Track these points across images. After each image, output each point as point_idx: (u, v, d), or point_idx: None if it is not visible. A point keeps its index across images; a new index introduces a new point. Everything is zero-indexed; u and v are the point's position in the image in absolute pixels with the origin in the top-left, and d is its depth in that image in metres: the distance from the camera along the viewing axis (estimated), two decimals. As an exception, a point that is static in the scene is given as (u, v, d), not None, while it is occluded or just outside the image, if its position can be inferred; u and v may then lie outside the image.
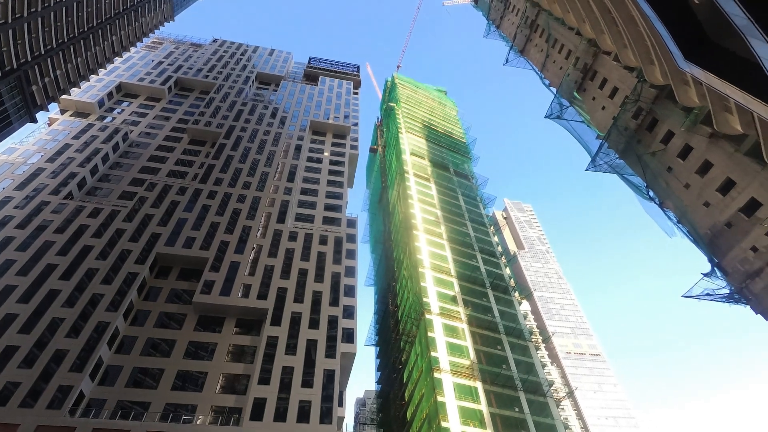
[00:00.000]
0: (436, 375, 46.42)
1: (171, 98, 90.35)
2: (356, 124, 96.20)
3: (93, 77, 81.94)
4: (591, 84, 44.86)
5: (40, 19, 49.67)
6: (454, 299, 57.84)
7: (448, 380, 46.81)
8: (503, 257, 72.47)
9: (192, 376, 45.05)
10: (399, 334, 59.76)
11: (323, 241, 62.46)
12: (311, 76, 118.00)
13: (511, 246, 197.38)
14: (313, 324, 51.38)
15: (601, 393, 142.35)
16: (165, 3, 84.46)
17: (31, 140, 68.17)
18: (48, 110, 55.18)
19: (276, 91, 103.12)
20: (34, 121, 53.40)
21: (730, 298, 29.20)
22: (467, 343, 52.73)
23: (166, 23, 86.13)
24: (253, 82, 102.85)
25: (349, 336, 53.68)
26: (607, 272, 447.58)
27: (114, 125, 74.70)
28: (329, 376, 47.04)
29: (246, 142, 78.30)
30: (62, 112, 77.50)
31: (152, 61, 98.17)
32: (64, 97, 70.32)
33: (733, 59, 21.91)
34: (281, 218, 64.37)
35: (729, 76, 21.20)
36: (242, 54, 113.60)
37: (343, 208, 71.64)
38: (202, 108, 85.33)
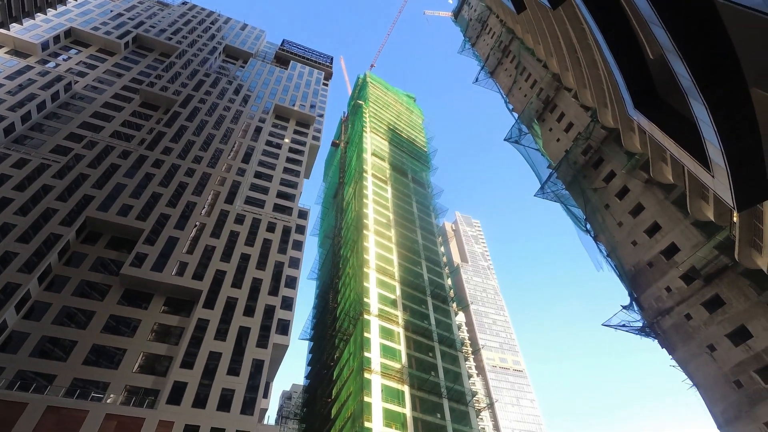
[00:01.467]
0: (366, 375, 46.74)
1: (126, 54, 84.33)
2: (321, 116, 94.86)
3: (39, 16, 74.83)
4: (550, 116, 47.34)
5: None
6: (394, 303, 58.57)
7: (377, 381, 47.27)
8: (447, 268, 74.45)
9: (108, 351, 42.15)
10: (335, 332, 59.56)
11: (271, 228, 60.89)
12: (282, 59, 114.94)
13: (456, 258, 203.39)
14: (248, 311, 49.91)
15: (519, 407, 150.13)
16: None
17: (-46, 72, 60.85)
18: (-20, 42, 49.58)
19: (243, 68, 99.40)
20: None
21: (642, 331, 31.91)
22: (401, 347, 53.57)
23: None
24: (220, 54, 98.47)
25: (284, 327, 52.69)
26: (540, 291, 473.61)
27: (57, 72, 68.43)
28: (258, 365, 45.87)
29: (203, 114, 74.71)
30: (12, 54, 69.90)
31: (111, 11, 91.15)
32: (1, 31, 63.58)
33: (675, 115, 24.05)
34: (230, 199, 62.01)
35: (669, 130, 23.26)
36: (212, 23, 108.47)
37: (297, 198, 70.30)
38: (160, 71, 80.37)
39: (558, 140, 44.73)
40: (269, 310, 51.18)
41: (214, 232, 56.18)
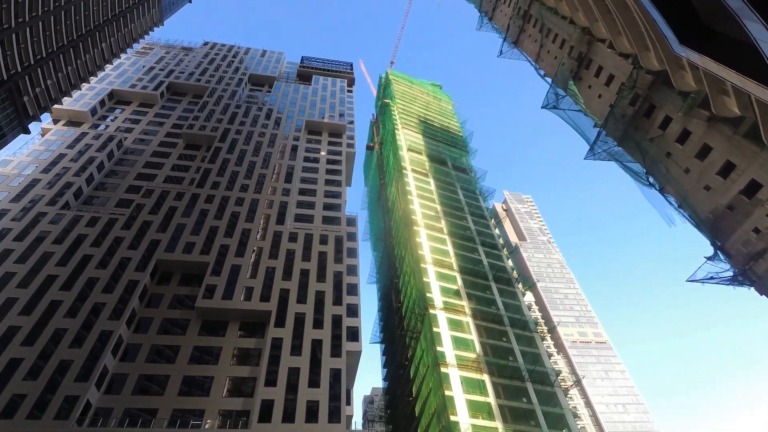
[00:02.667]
0: (443, 370, 46.41)
1: (164, 103, 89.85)
2: (352, 122, 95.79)
3: (84, 86, 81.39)
4: (586, 72, 44.61)
5: (28, 29, 49.21)
6: (457, 293, 57.79)
7: (454, 374, 46.81)
8: (505, 249, 72.40)
9: (198, 381, 44.97)
10: (403, 331, 59.75)
11: (323, 240, 62.27)
12: (304, 75, 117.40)
13: (513, 238, 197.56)
14: (317, 324, 51.29)
15: (609, 380, 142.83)
16: (154, 8, 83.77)
17: (25, 151, 67.79)
18: (41, 120, 54.79)
19: (269, 92, 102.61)
20: (27, 132, 52.98)
21: (734, 281, 29.12)
22: (472, 336, 52.71)
23: (155, 28, 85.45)
24: (246, 84, 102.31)
25: (354, 334, 53.60)
26: (609, 260, 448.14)
27: (108, 133, 74.29)
28: (336, 375, 46.99)
29: (241, 144, 77.95)
30: (55, 121, 77.04)
31: (143, 66, 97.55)
32: (56, 106, 69.82)
33: (727, 42, 21.73)
34: (280, 219, 64.14)
35: (725, 60, 21.04)
36: (234, 56, 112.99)
37: (342, 207, 71.41)
38: (196, 112, 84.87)
39: (600, 96, 42.04)
40: (336, 320, 52.29)
41: (271, 254, 58.31)
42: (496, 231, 75.75)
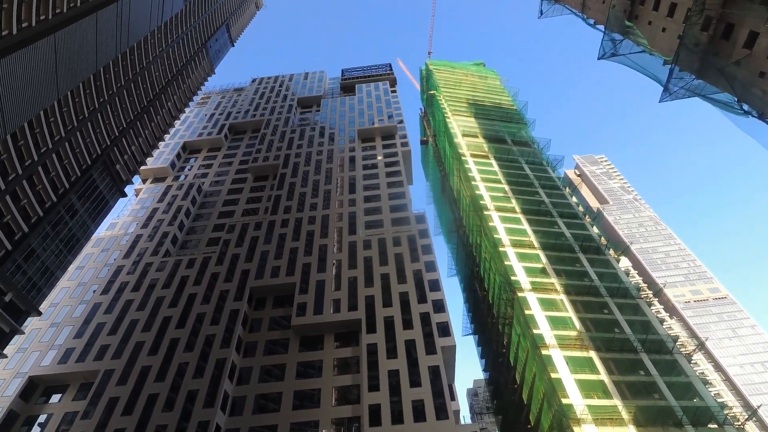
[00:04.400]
0: (544, 352, 44.46)
1: (229, 144, 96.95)
2: (401, 122, 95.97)
3: (161, 144, 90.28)
4: (642, 8, 40.45)
5: (108, 106, 55.87)
6: (543, 271, 55.16)
7: (557, 355, 44.63)
8: (587, 216, 67.78)
9: (307, 394, 47.57)
10: (494, 319, 58.28)
11: (397, 242, 62.91)
12: (347, 87, 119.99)
13: (593, 203, 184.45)
14: (407, 324, 51.84)
15: (738, 339, 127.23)
16: (204, 60, 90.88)
17: (125, 213, 76.89)
18: (132, 183, 61.83)
19: (318, 110, 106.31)
20: (124, 195, 60.07)
21: None
22: (569, 313, 49.92)
23: (208, 78, 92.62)
24: (296, 108, 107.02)
25: (445, 329, 53.39)
26: (708, 206, 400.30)
27: (188, 182, 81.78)
28: (434, 372, 47.09)
29: (303, 166, 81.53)
30: (143, 181, 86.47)
31: (205, 115, 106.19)
32: (142, 168, 78.37)
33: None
34: (352, 230, 65.96)
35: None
36: (280, 85, 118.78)
37: (408, 206, 71.65)
38: (258, 145, 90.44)
39: (664, 30, 37.86)
40: (425, 318, 52.45)
41: (350, 264, 60.13)
42: (573, 199, 71.17)
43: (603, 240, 62.65)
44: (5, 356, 44.58)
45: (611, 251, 61.11)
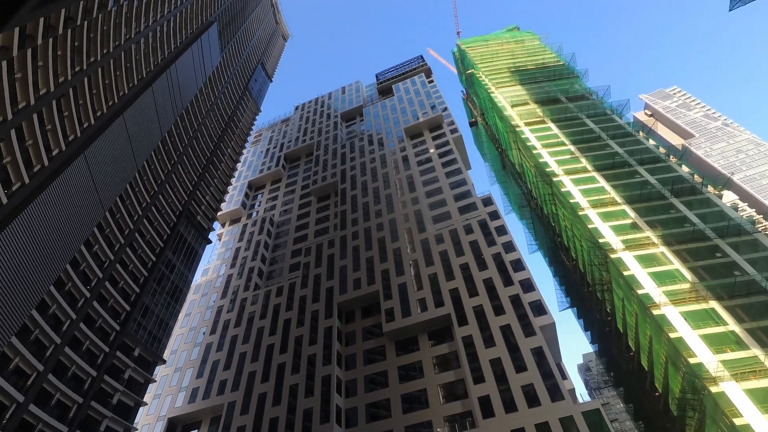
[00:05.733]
0: (656, 312, 40.70)
1: (288, 173, 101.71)
2: (445, 109, 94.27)
3: (229, 188, 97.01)
4: None
5: (179, 166, 61.21)
6: (634, 226, 50.72)
7: (672, 313, 40.63)
8: (671, 157, 61.34)
9: (414, 396, 47.90)
10: (590, 287, 54.59)
11: (468, 230, 61.54)
12: (384, 90, 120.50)
13: (676, 140, 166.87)
14: (498, 310, 50.31)
15: None
16: (249, 102, 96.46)
17: (214, 257, 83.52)
18: (214, 229, 67.03)
19: (362, 120, 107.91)
20: (209, 241, 65.25)
21: None
22: (675, 265, 45.31)
23: (257, 116, 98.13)
24: (340, 123, 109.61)
25: (539, 308, 51.04)
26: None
27: (260, 217, 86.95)
28: (538, 353, 45.10)
29: (360, 177, 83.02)
30: (223, 225, 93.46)
31: (261, 152, 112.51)
32: (219, 214, 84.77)
33: None
34: (421, 228, 65.70)
35: None
36: (321, 106, 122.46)
37: (472, 192, 69.87)
38: (314, 168, 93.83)
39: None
40: (515, 300, 50.57)
41: (427, 262, 59.86)
42: (651, 142, 64.81)
43: (697, 177, 56.27)
44: (146, 403, 50.21)
45: (710, 187, 54.67)
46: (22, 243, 32.61)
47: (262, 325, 62.90)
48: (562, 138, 67.59)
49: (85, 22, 38.01)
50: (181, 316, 70.77)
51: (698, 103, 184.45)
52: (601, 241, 48.96)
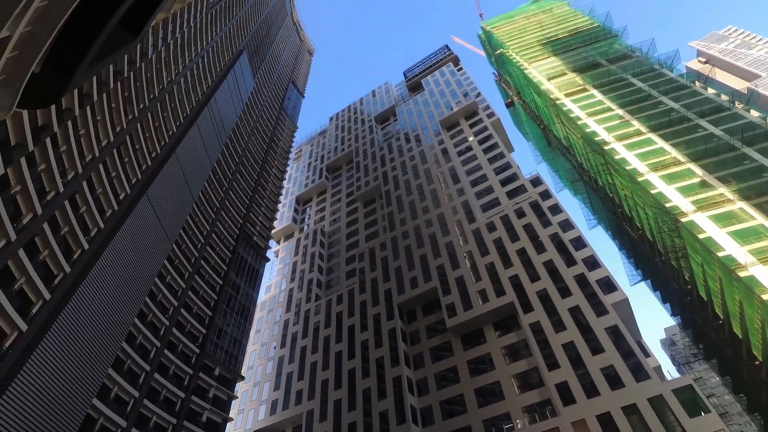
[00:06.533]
0: (742, 274, 37.14)
1: (332, 183, 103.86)
2: (479, 95, 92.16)
3: (279, 206, 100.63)
4: None
5: (230, 193, 64.39)
6: (704, 184, 46.68)
7: (762, 272, 36.88)
8: (736, 102, 55.89)
9: (488, 389, 47.01)
10: (663, 256, 50.87)
11: (520, 214, 59.63)
12: (414, 86, 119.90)
13: (739, 84, 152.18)
14: (564, 292, 48.25)
15: None
16: (286, 120, 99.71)
17: (274, 274, 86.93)
18: (270, 247, 69.80)
19: (396, 120, 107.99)
20: (267, 259, 68.01)
21: None
22: (758, 220, 41.14)
23: (295, 133, 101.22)
24: (375, 127, 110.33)
25: (608, 285, 48.42)
26: None
27: (311, 229, 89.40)
28: (614, 332, 42.77)
29: (402, 177, 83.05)
30: (278, 242, 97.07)
31: (303, 167, 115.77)
32: (273, 232, 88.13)
33: None
34: (471, 218, 64.53)
35: None
36: (354, 112, 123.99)
37: (519, 174, 67.70)
38: (356, 174, 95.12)
39: None
40: (581, 280, 48.32)
41: (481, 252, 58.66)
42: (710, 91, 59.42)
43: (770, 121, 50.83)
44: (231, 419, 53.16)
45: (788, 129, 49.21)
46: (107, 282, 35.70)
47: (328, 334, 64.51)
48: (608, 103, 63.71)
49: (131, 73, 41.09)
50: (252, 333, 74.25)
51: (760, 40, 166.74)
52: (668, 205, 45.51)
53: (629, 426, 36.58)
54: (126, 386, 38.41)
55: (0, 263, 26.87)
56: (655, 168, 50.44)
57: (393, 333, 57.15)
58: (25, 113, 27.38)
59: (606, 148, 55.32)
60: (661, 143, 53.65)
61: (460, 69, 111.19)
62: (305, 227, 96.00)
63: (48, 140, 30.44)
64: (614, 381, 39.42)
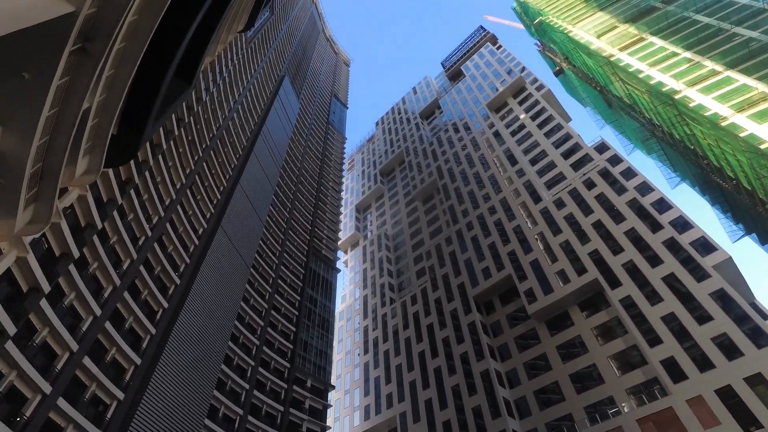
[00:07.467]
0: None
1: (388, 187, 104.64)
2: (523, 70, 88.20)
3: (341, 217, 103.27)
4: None
5: (294, 212, 67.17)
6: (806, 116, 40.66)
7: None
8: (832, 16, 48.19)
9: (584, 373, 44.42)
10: (765, 204, 44.99)
11: (590, 185, 55.95)
12: (454, 75, 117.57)
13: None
14: (654, 261, 44.40)
15: None
16: (334, 134, 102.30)
17: (346, 283, 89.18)
18: (339, 258, 71.68)
19: (441, 112, 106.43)
20: (338, 270, 69.93)
21: None
22: None
23: (344, 145, 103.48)
24: (421, 123, 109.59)
25: (706, 246, 43.83)
26: None
27: (375, 235, 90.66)
28: (721, 297, 38.57)
29: (456, 168, 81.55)
30: (345, 252, 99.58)
31: (358, 175, 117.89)
32: (339, 243, 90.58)
33: None
34: (536, 198, 61.68)
35: None
36: (398, 113, 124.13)
37: (581, 144, 63.64)
38: (410, 174, 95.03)
39: None
40: (672, 245, 44.24)
41: (553, 231, 55.83)
42: (796, 8, 51.73)
43: None
44: (329, 427, 55.20)
45: None
46: (199, 311, 38.76)
47: (408, 335, 64.81)
48: (672, 48, 57.87)
49: (191, 118, 44.45)
50: (335, 343, 76.68)
51: None
52: (763, 147, 40.25)
53: (757, 398, 32.67)
54: (231, 405, 41.33)
55: (110, 306, 30.19)
56: (740, 108, 44.96)
57: (473, 327, 56.07)
58: (110, 172, 30.62)
59: (677, 97, 50.29)
60: (743, 79, 47.73)
61: (500, 47, 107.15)
62: (369, 234, 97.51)
63: (132, 192, 33.77)
64: (730, 350, 35.47)
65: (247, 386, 44.53)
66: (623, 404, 39.76)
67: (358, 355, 72.40)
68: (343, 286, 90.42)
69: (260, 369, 48.05)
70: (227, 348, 43.32)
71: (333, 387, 61.10)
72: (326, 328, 63.93)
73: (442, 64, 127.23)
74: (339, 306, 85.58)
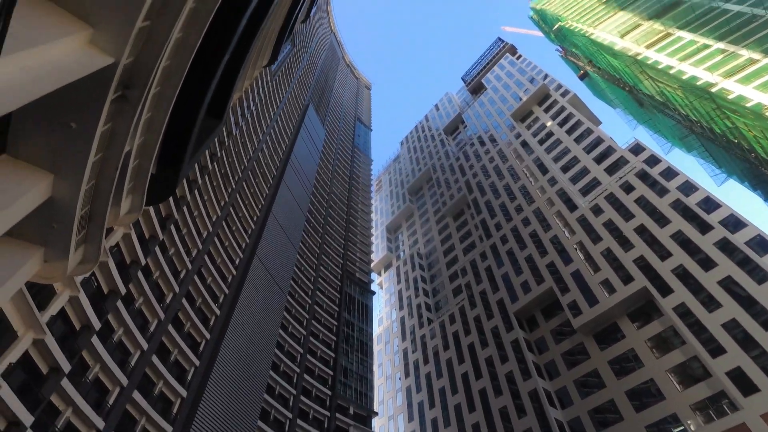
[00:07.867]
0: None
1: (417, 205, 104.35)
2: (546, 77, 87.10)
3: (372, 239, 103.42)
4: None
5: (326, 237, 67.71)
6: None
7: None
8: None
9: (641, 390, 41.59)
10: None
11: (627, 188, 53.74)
12: (475, 89, 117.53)
13: None
14: (706, 264, 41.66)
15: None
16: (360, 157, 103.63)
17: (382, 305, 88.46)
18: (373, 281, 71.40)
19: (466, 126, 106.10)
20: (373, 293, 69.53)
21: None
22: None
23: (371, 167, 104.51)
24: (446, 139, 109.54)
25: (762, 244, 40.81)
26: None
27: (407, 255, 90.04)
28: (788, 299, 35.51)
29: (485, 181, 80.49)
30: (379, 274, 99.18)
31: (386, 196, 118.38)
32: (372, 265, 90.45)
33: None
34: (571, 206, 59.73)
35: None
36: (423, 131, 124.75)
37: (614, 147, 61.55)
38: (438, 191, 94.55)
39: None
40: (724, 246, 41.50)
41: (592, 239, 53.65)
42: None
43: None
44: (375, 455, 53.80)
45: None
46: (240, 340, 39.20)
47: (449, 356, 63.10)
48: (703, 40, 55.73)
49: (222, 152, 46.14)
50: (375, 367, 75.62)
51: None
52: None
53: None
54: (275, 435, 41.08)
55: (156, 340, 30.99)
56: (785, 95, 42.36)
57: (516, 344, 53.98)
58: (151, 209, 31.97)
59: (713, 90, 48.08)
60: (785, 66, 45.15)
61: (519, 57, 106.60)
62: (401, 254, 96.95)
63: (172, 227, 35.05)
64: (806, 357, 32.40)
65: (290, 415, 44.29)
66: (689, 422, 36.79)
67: (399, 379, 70.94)
68: (380, 309, 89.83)
69: (302, 397, 47.78)
70: (269, 377, 43.44)
71: (376, 413, 59.86)
72: (365, 352, 63.19)
73: (462, 78, 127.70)
74: (377, 329, 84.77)
